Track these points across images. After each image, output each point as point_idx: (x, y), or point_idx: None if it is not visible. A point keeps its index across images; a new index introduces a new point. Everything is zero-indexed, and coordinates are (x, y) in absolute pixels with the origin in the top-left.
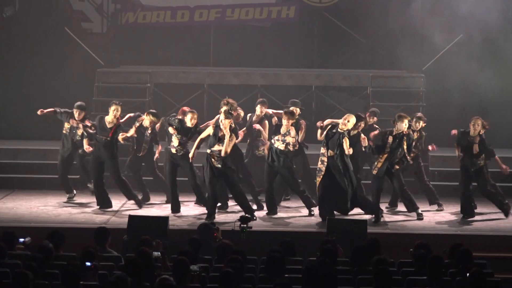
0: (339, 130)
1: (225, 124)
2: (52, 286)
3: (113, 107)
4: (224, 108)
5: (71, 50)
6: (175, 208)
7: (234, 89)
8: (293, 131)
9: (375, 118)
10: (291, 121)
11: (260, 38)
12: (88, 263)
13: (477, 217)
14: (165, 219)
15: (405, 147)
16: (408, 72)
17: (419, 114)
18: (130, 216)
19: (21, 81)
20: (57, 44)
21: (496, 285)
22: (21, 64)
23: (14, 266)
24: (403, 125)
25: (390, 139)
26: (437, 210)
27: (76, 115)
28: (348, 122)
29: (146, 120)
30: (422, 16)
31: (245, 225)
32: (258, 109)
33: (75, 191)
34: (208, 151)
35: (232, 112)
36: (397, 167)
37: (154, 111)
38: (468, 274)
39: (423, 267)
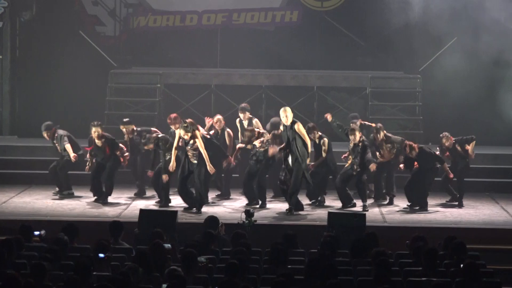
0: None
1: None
2: (67, 276)
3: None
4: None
5: (85, 52)
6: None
7: (239, 89)
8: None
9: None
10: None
11: (264, 41)
12: (101, 255)
13: (470, 211)
14: (174, 213)
15: None
16: (405, 73)
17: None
18: (141, 210)
19: (38, 82)
20: (72, 47)
21: (488, 276)
22: (38, 65)
23: (31, 258)
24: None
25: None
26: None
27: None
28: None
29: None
30: (418, 20)
31: (249, 219)
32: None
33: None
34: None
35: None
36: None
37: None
38: (462, 265)
39: (420, 259)
